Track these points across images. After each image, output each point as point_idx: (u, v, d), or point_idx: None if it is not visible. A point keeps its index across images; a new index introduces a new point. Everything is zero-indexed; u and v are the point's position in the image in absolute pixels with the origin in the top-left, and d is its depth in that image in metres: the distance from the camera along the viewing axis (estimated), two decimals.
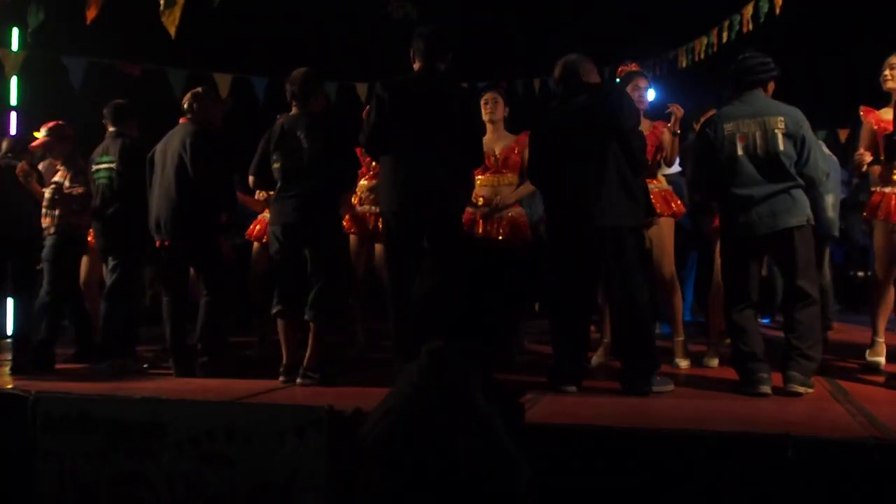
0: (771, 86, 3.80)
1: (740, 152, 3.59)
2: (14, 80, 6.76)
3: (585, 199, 3.60)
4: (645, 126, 4.63)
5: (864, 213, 4.33)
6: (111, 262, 4.70)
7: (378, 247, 4.97)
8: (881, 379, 3.91)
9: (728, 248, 3.79)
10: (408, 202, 3.85)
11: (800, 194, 3.60)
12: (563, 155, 3.70)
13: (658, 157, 4.63)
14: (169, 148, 4.37)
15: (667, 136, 4.76)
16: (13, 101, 6.91)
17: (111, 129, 4.81)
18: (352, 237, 4.97)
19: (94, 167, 4.74)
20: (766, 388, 3.48)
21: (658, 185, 4.65)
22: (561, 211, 3.75)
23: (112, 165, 4.67)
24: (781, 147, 3.55)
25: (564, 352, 3.73)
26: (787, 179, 3.57)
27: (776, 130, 3.55)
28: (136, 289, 4.92)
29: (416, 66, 3.96)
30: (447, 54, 3.95)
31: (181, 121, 4.47)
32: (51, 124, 4.92)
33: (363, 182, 4.96)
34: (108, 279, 4.69)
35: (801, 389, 3.46)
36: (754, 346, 3.58)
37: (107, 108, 4.88)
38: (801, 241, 3.55)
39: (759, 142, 3.57)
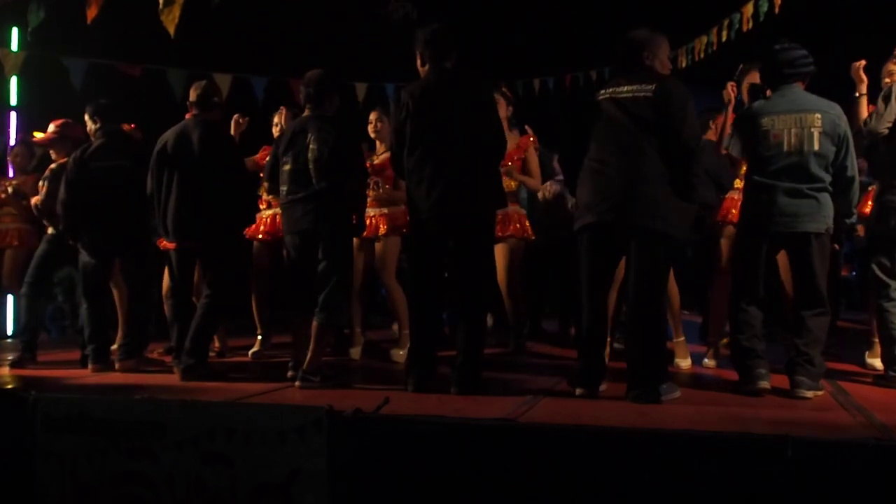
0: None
1: (774, 149, 3.49)
2: (14, 80, 6.76)
3: (623, 197, 3.36)
4: (511, 141, 4.58)
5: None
6: (126, 262, 4.68)
7: (377, 248, 4.95)
8: None
9: (741, 239, 3.70)
10: (437, 205, 3.66)
11: (826, 199, 3.50)
12: (608, 147, 3.46)
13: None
14: (183, 145, 4.24)
15: (532, 153, 4.74)
16: (13, 101, 6.92)
17: (106, 127, 4.70)
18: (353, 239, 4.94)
19: (98, 166, 4.70)
20: (765, 384, 3.48)
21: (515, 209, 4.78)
22: (600, 208, 3.45)
23: (125, 164, 4.61)
24: (816, 146, 3.45)
25: (598, 354, 3.60)
26: (817, 181, 3.47)
27: (813, 129, 3.45)
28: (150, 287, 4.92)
29: (424, 68, 3.82)
30: (453, 53, 3.83)
31: (187, 116, 4.42)
32: (60, 121, 4.93)
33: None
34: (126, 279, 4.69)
35: (809, 394, 3.44)
36: (755, 343, 3.56)
37: (93, 105, 4.77)
38: (818, 248, 3.48)
39: (793, 139, 3.47)
